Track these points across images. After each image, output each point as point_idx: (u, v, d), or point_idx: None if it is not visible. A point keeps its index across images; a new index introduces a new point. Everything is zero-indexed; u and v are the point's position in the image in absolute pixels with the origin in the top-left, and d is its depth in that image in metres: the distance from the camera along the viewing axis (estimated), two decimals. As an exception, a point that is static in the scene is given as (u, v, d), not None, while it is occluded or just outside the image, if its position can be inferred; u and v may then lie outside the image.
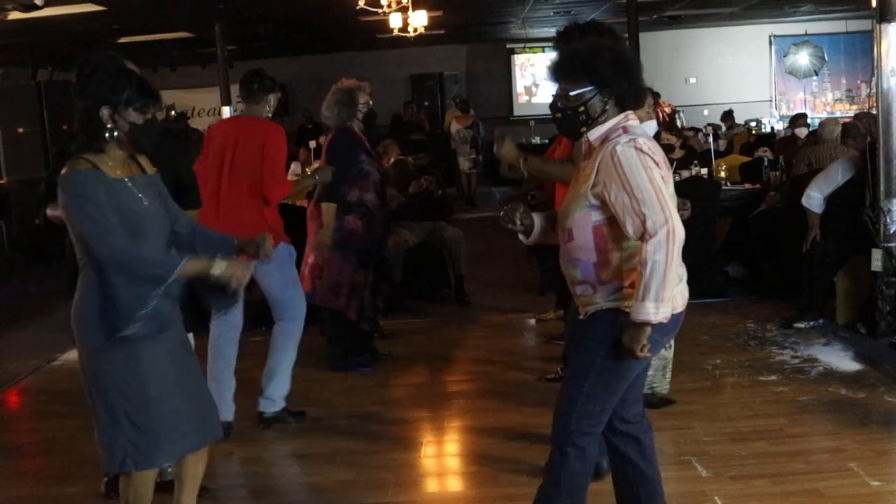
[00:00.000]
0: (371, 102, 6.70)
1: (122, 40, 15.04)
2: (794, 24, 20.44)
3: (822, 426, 5.32)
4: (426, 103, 20.60)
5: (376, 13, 10.39)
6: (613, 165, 3.32)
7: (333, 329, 6.79)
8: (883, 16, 6.77)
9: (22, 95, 13.15)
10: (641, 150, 3.34)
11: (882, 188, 6.84)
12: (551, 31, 20.54)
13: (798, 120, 11.84)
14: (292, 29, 15.60)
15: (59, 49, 15.63)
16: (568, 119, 3.53)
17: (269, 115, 5.67)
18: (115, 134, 3.53)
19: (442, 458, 5.44)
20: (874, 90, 7.00)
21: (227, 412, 5.39)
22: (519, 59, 21.94)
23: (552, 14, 16.34)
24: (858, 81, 20.53)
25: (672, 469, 4.72)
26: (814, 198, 7.34)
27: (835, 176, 7.30)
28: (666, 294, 3.27)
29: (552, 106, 3.59)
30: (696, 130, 12.84)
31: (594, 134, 3.47)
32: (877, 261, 6.84)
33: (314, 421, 5.82)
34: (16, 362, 7.70)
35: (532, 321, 8.31)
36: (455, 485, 5.04)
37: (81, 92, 3.58)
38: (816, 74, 20.98)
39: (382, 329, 7.48)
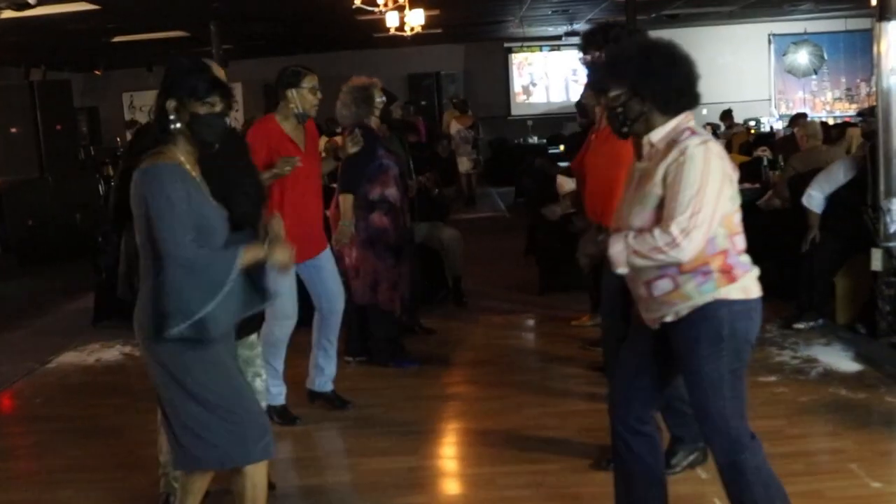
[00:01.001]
0: (384, 99, 6.72)
1: (117, 39, 15.01)
2: (793, 23, 20.44)
3: (822, 427, 5.30)
4: (423, 102, 20.59)
5: (373, 12, 10.36)
6: (679, 164, 3.36)
7: (378, 327, 6.83)
8: (883, 14, 6.74)
9: (15, 95, 13.11)
10: (712, 154, 3.37)
11: (882, 187, 6.82)
12: (549, 31, 20.63)
13: (798, 119, 11.80)
14: (288, 28, 15.58)
15: (53, 48, 15.60)
16: (611, 119, 3.62)
17: (297, 110, 5.54)
18: (179, 125, 3.50)
19: (440, 460, 5.42)
20: (874, 89, 6.97)
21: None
22: (517, 59, 21.93)
23: (550, 13, 16.33)
24: (858, 80, 20.53)
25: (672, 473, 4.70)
26: (814, 197, 7.29)
27: (836, 175, 7.25)
28: (628, 259, 3.42)
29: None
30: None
31: (656, 136, 3.50)
32: (877, 260, 6.81)
33: (308, 424, 5.78)
34: (9, 364, 7.66)
35: (531, 322, 8.29)
36: (453, 487, 5.03)
37: (159, 92, 3.58)
38: (816, 73, 20.97)
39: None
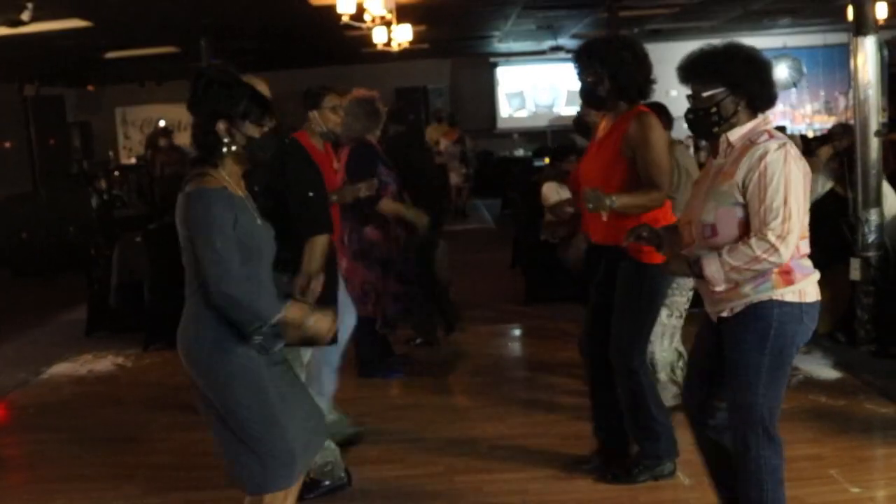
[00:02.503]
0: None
1: (109, 55, 15.04)
2: (772, 38, 20.53)
3: (802, 434, 5.34)
4: (410, 116, 20.61)
5: (360, 28, 10.43)
6: (759, 169, 3.41)
7: (364, 337, 6.80)
8: (859, 29, 6.87)
9: (9, 110, 13.16)
10: (790, 156, 3.43)
11: (860, 198, 6.93)
12: (534, 45, 20.62)
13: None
14: (277, 43, 15.64)
15: (47, 64, 15.63)
16: (700, 120, 3.63)
17: (321, 129, 5.48)
18: (233, 148, 3.42)
19: (427, 468, 5.42)
20: (851, 102, 7.09)
21: None
22: (502, 73, 22.02)
23: (535, 28, 16.42)
24: (837, 93, 20.66)
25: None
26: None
27: (814, 188, 7.38)
28: (727, 276, 3.44)
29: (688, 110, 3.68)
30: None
31: (734, 135, 3.56)
32: (855, 270, 6.91)
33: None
34: (2, 376, 7.68)
35: (517, 332, 8.36)
36: (440, 495, 5.02)
37: (197, 106, 3.47)
38: (795, 86, 21.07)
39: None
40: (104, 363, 7.90)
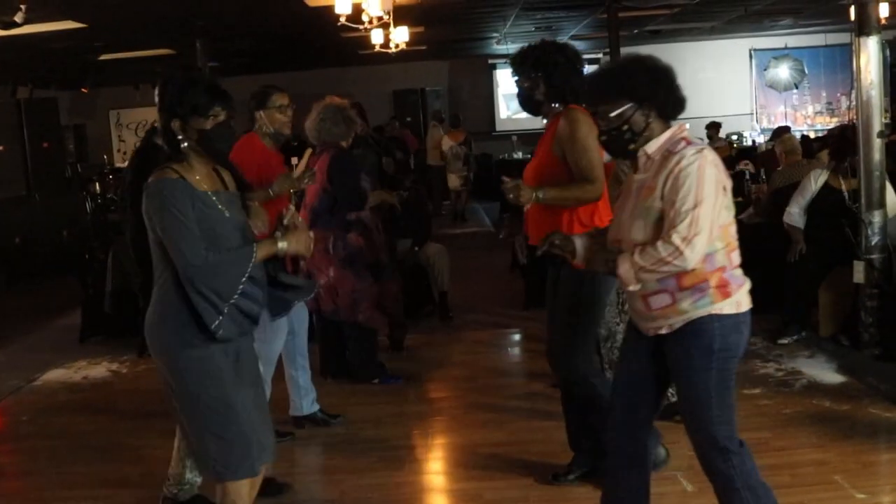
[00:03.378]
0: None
1: (104, 57, 15.01)
2: (773, 38, 20.57)
3: (806, 439, 5.32)
4: (408, 118, 20.62)
5: (358, 29, 10.37)
6: (675, 176, 3.39)
7: (359, 343, 6.84)
8: (862, 29, 6.82)
9: (2, 113, 13.10)
10: (706, 161, 3.40)
11: (863, 200, 6.88)
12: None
13: (780, 133, 11.85)
14: (274, 45, 15.61)
15: (40, 66, 15.58)
16: (613, 139, 3.60)
17: (268, 130, 5.50)
18: (187, 144, 3.54)
19: (426, 475, 5.42)
20: (854, 103, 7.04)
21: None
22: (501, 75, 21.99)
23: (533, 29, 16.39)
24: (838, 94, 20.67)
25: (657, 484, 4.67)
26: (793, 214, 7.38)
27: (808, 186, 7.35)
28: (637, 276, 3.44)
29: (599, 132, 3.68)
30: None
31: (652, 147, 3.54)
32: (859, 273, 6.86)
33: (297, 440, 5.79)
34: (-4, 382, 7.63)
35: (517, 336, 8.32)
36: (440, 502, 5.04)
37: (159, 110, 3.61)
38: (797, 87, 21.10)
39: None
40: (99, 369, 7.87)
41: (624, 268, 3.46)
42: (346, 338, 6.88)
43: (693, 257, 3.36)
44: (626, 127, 3.53)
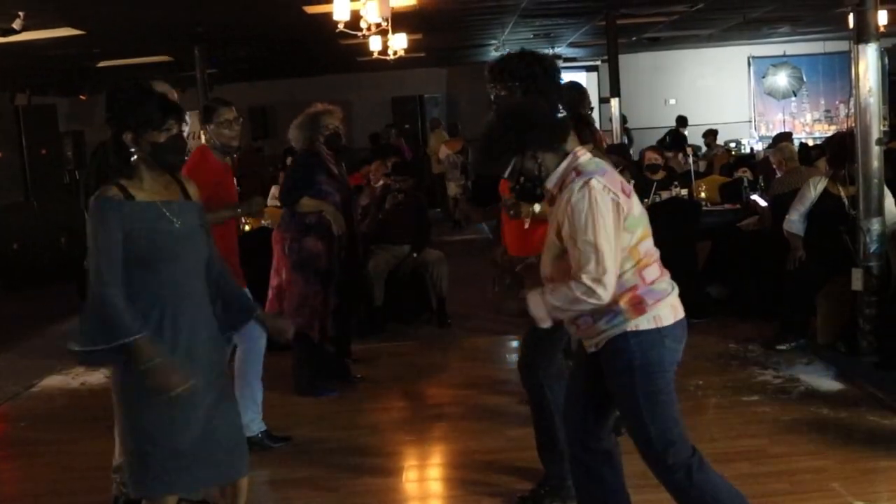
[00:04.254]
0: (339, 126, 6.67)
1: (102, 64, 15.01)
2: (772, 46, 20.60)
3: (804, 446, 5.32)
4: (406, 126, 20.63)
5: (356, 36, 10.36)
6: (567, 214, 3.43)
7: (299, 351, 6.69)
8: (860, 36, 6.82)
9: (0, 120, 13.09)
10: (594, 192, 3.41)
11: (861, 207, 6.88)
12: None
13: (780, 140, 11.84)
14: (272, 52, 15.62)
15: (38, 73, 15.59)
16: (521, 192, 3.69)
17: (216, 144, 5.50)
18: (139, 156, 3.56)
19: (423, 482, 5.42)
20: (852, 110, 7.05)
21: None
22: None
23: (531, 36, 16.41)
24: (837, 102, 20.68)
25: (654, 492, 4.68)
26: (792, 221, 7.37)
27: (808, 193, 7.34)
28: (551, 314, 3.51)
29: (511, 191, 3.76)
30: (678, 151, 12.89)
31: (550, 182, 3.59)
32: (857, 280, 6.86)
33: (293, 446, 5.78)
34: (-6, 388, 7.62)
35: (514, 343, 8.30)
36: (438, 509, 5.03)
37: (108, 121, 3.63)
38: (795, 95, 21.12)
39: (353, 353, 7.48)
40: (97, 376, 7.83)
41: (535, 307, 3.51)
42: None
43: (606, 294, 3.40)
44: (522, 179, 3.60)
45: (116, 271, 3.46)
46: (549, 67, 4.53)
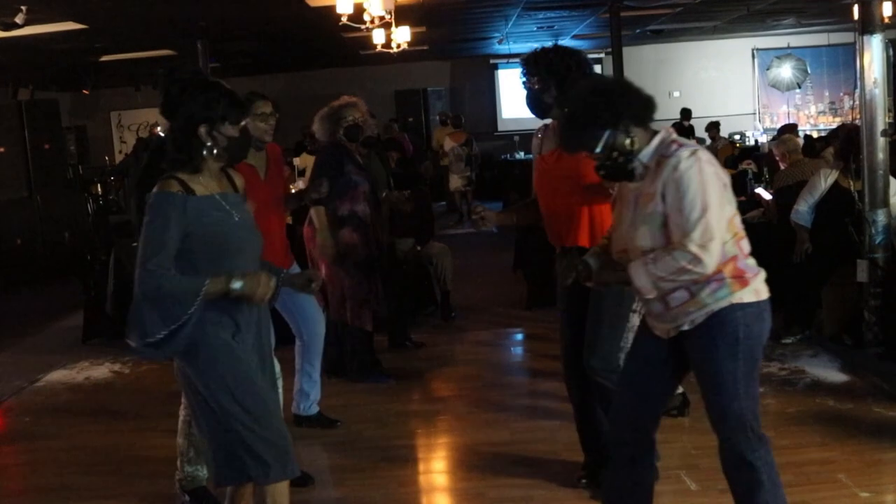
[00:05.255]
0: (361, 118, 6.71)
1: (104, 58, 15.02)
2: (776, 38, 20.55)
3: (810, 438, 5.31)
4: (410, 119, 20.62)
5: (359, 29, 10.37)
6: (674, 180, 3.41)
7: (349, 342, 6.83)
8: (865, 28, 6.81)
9: (3, 115, 13.09)
10: (703, 162, 3.42)
11: (867, 199, 6.87)
12: (535, 47, 20.70)
13: (784, 132, 11.79)
14: (275, 46, 15.62)
15: (41, 68, 15.59)
16: (612, 170, 3.61)
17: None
18: (215, 151, 3.53)
19: (430, 474, 5.42)
20: (857, 102, 7.03)
21: None
22: (503, 75, 21.99)
23: (535, 29, 16.39)
24: (841, 94, 20.64)
25: (661, 483, 4.68)
26: (801, 212, 7.35)
27: (818, 184, 7.32)
28: (655, 286, 3.45)
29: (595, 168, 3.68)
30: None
31: (645, 156, 3.54)
32: (862, 272, 6.85)
33: (300, 439, 5.77)
34: (-2, 383, 7.63)
35: (519, 336, 8.31)
36: (443, 501, 5.04)
37: (173, 112, 3.55)
38: (799, 87, 21.08)
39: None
40: (101, 370, 7.86)
41: (639, 279, 3.47)
42: (343, 337, 6.86)
43: (711, 262, 3.38)
44: (615, 154, 3.54)
45: (167, 265, 3.39)
46: (583, 62, 4.57)
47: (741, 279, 3.50)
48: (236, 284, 3.46)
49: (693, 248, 3.34)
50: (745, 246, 3.57)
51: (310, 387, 5.90)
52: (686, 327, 3.57)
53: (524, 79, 4.62)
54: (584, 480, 4.79)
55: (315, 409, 5.97)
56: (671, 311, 3.56)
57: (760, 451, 3.56)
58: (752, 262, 3.58)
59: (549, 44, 4.72)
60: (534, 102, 4.64)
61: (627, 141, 3.52)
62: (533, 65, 4.55)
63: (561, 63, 4.49)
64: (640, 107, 3.57)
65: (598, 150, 3.54)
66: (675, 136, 3.56)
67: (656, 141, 3.54)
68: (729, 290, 3.48)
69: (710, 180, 3.40)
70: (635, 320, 5.51)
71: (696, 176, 3.38)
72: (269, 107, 5.48)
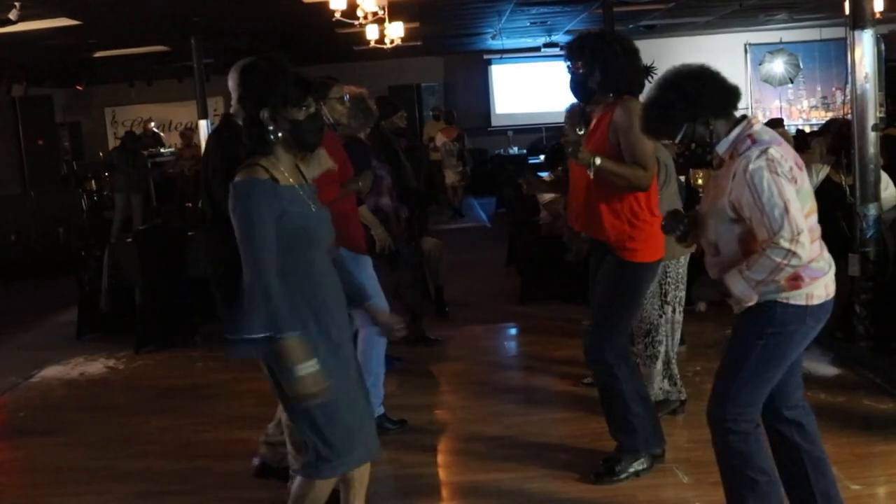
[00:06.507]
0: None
1: (98, 54, 15.00)
2: (768, 33, 20.58)
3: (801, 431, 5.32)
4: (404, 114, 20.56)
5: (353, 25, 10.38)
6: (746, 182, 3.42)
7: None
8: (856, 23, 6.82)
9: (-4, 111, 13.09)
10: (773, 162, 3.42)
11: (858, 193, 6.89)
12: (528, 42, 20.69)
13: (774, 127, 11.82)
14: (269, 42, 15.60)
15: (35, 64, 15.57)
16: (690, 159, 3.69)
17: (329, 121, 5.45)
18: (280, 135, 3.42)
19: (423, 468, 5.41)
20: (849, 97, 7.06)
21: None
22: (496, 70, 21.99)
23: (528, 25, 16.40)
24: (833, 88, 20.66)
25: (654, 476, 4.75)
26: (792, 207, 7.37)
27: (810, 179, 7.34)
28: (756, 290, 3.46)
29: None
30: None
31: (721, 147, 3.57)
32: (854, 265, 6.87)
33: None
34: (-7, 379, 7.63)
35: (513, 331, 8.33)
36: (437, 495, 5.02)
37: (242, 98, 3.50)
38: (792, 82, 21.10)
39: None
40: (96, 366, 7.86)
41: (738, 288, 3.48)
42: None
43: (805, 253, 3.39)
44: (693, 145, 3.59)
45: (272, 258, 3.32)
46: (628, 49, 4.59)
47: (794, 282, 3.51)
48: (301, 373, 3.32)
49: (785, 243, 3.35)
50: (816, 248, 3.57)
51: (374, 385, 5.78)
52: (736, 310, 3.63)
53: (568, 63, 4.63)
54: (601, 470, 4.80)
55: (381, 409, 5.83)
56: (729, 299, 3.60)
57: (731, 435, 3.65)
58: (816, 265, 3.56)
59: (594, 28, 4.72)
60: (578, 87, 4.66)
61: (707, 133, 3.56)
62: (577, 49, 4.57)
63: (607, 49, 4.51)
64: (720, 99, 3.59)
65: (677, 139, 3.60)
66: (753, 128, 3.56)
67: (734, 133, 3.56)
68: (777, 288, 3.51)
69: (781, 178, 3.40)
70: (677, 315, 5.62)
71: (766, 175, 3.39)
72: (342, 90, 5.54)
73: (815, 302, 3.57)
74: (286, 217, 3.37)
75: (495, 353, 7.79)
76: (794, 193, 3.42)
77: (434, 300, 8.89)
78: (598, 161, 4.36)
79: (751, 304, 3.53)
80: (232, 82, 3.93)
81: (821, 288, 3.59)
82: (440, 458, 5.53)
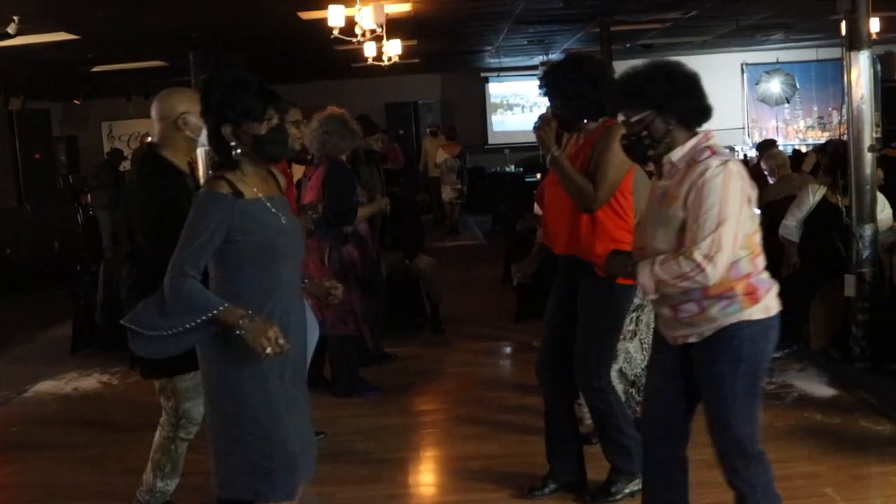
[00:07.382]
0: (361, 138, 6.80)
1: (96, 69, 15.00)
2: (765, 53, 20.64)
3: (797, 452, 5.32)
4: (401, 131, 20.64)
5: (351, 42, 10.39)
6: (698, 186, 3.40)
7: (343, 354, 6.80)
8: (852, 44, 6.85)
9: (-6, 124, 13.11)
10: (731, 174, 3.40)
11: (854, 214, 6.90)
12: (525, 60, 20.71)
13: (766, 147, 11.72)
14: (267, 58, 15.61)
15: (33, 78, 15.58)
16: (633, 144, 3.62)
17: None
18: (240, 150, 3.41)
19: (418, 487, 5.41)
20: (845, 117, 7.07)
21: None
22: (493, 88, 22.03)
23: (526, 43, 16.44)
24: (830, 108, 20.71)
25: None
26: (789, 227, 7.38)
27: (807, 200, 7.36)
28: (657, 287, 3.47)
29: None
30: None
31: (676, 155, 3.54)
32: (850, 286, 6.88)
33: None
34: (-14, 394, 7.60)
35: (508, 349, 8.32)
36: (431, 514, 5.02)
37: (206, 114, 3.49)
38: (788, 102, 21.16)
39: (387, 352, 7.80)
40: (90, 381, 7.84)
41: (644, 276, 3.48)
42: (328, 351, 6.83)
43: (714, 274, 3.36)
44: (645, 133, 3.54)
45: (200, 266, 3.34)
46: (590, 69, 4.51)
47: (752, 296, 3.51)
48: (242, 330, 3.31)
49: (698, 257, 3.34)
50: (761, 263, 3.56)
51: None
52: (693, 339, 3.58)
53: (540, 93, 4.64)
54: (536, 492, 4.80)
55: None
56: (680, 320, 3.57)
57: (756, 470, 3.58)
58: (765, 276, 3.58)
59: (558, 57, 4.69)
60: (559, 119, 4.62)
61: (663, 130, 3.52)
62: (543, 86, 4.58)
63: (564, 77, 4.49)
64: (692, 109, 3.55)
65: (633, 119, 3.55)
66: (711, 142, 3.54)
67: (691, 143, 3.53)
68: (739, 306, 3.49)
69: (732, 193, 3.38)
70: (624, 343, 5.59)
71: (719, 186, 3.36)
72: (299, 114, 5.49)
73: (774, 313, 3.59)
74: (249, 232, 3.37)
75: (491, 372, 7.77)
76: (738, 211, 3.38)
77: (430, 318, 8.89)
78: (556, 152, 4.37)
79: (651, 297, 3.55)
80: (154, 111, 3.94)
81: (774, 299, 3.60)
82: (435, 477, 5.53)
